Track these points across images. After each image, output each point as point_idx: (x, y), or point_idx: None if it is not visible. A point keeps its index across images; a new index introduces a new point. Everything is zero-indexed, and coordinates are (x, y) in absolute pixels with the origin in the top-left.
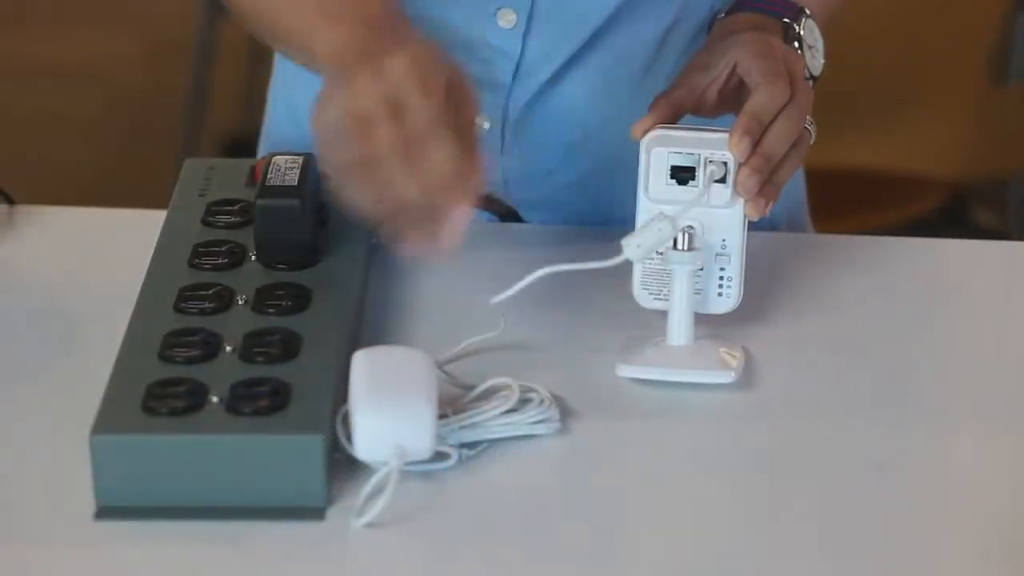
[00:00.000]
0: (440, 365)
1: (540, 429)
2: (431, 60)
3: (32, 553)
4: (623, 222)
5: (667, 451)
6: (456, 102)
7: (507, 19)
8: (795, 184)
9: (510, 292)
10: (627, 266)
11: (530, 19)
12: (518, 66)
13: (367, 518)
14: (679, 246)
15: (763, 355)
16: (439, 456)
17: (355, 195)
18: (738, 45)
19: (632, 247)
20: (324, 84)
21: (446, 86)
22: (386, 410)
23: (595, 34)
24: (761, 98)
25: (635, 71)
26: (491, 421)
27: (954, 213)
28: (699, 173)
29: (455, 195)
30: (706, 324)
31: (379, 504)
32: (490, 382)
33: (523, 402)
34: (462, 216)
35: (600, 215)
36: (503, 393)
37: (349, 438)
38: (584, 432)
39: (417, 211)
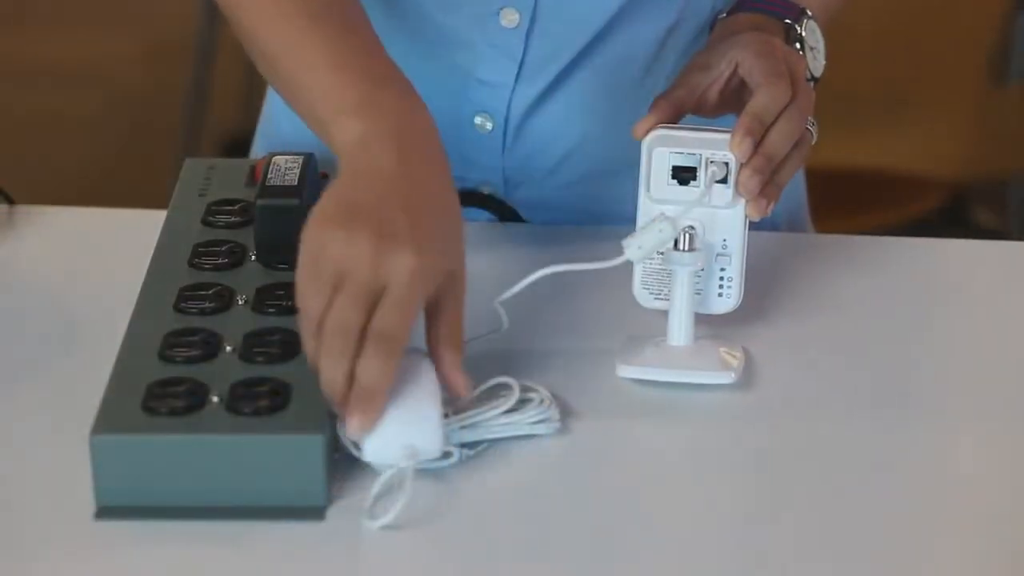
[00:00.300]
0: None
1: (540, 429)
2: (433, 272)
3: (32, 554)
4: (624, 222)
5: (667, 451)
6: (441, 304)
7: (510, 19)
8: (796, 184)
9: (511, 292)
10: (628, 266)
11: (533, 19)
12: (521, 66)
13: (384, 520)
14: (680, 246)
15: (763, 355)
16: (440, 456)
17: (300, 325)
18: (739, 45)
19: (633, 248)
20: (328, 196)
21: (440, 284)
22: (394, 412)
23: (597, 35)
24: (763, 98)
25: (636, 72)
26: (491, 421)
27: (954, 213)
28: (700, 173)
29: (363, 408)
30: (706, 324)
31: (397, 506)
32: (490, 382)
33: (523, 402)
34: (357, 427)
35: (601, 215)
36: (503, 393)
37: (356, 442)
38: (584, 432)
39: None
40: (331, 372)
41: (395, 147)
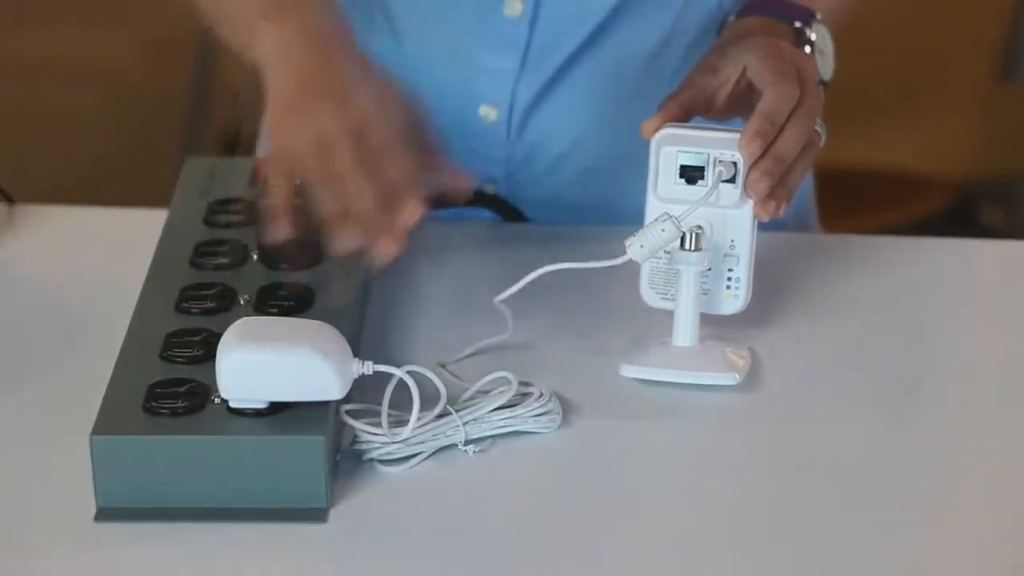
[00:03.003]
0: (445, 365)
1: (543, 422)
2: (393, 105)
3: (31, 555)
4: (628, 218)
5: (671, 452)
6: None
7: (513, 8)
8: (804, 184)
9: (510, 291)
10: (636, 265)
11: (536, 8)
12: (525, 54)
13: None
14: (686, 246)
15: (770, 356)
16: (443, 453)
17: (318, 202)
18: (748, 49)
19: (635, 247)
20: (275, 98)
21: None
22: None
23: (600, 26)
24: (772, 98)
25: (640, 64)
26: (493, 415)
27: (962, 212)
28: (708, 173)
29: (409, 199)
30: (713, 324)
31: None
32: (489, 376)
33: (522, 396)
34: (413, 212)
35: (605, 211)
36: (501, 388)
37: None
38: (588, 432)
39: (373, 215)
40: (364, 201)
41: (314, 43)
